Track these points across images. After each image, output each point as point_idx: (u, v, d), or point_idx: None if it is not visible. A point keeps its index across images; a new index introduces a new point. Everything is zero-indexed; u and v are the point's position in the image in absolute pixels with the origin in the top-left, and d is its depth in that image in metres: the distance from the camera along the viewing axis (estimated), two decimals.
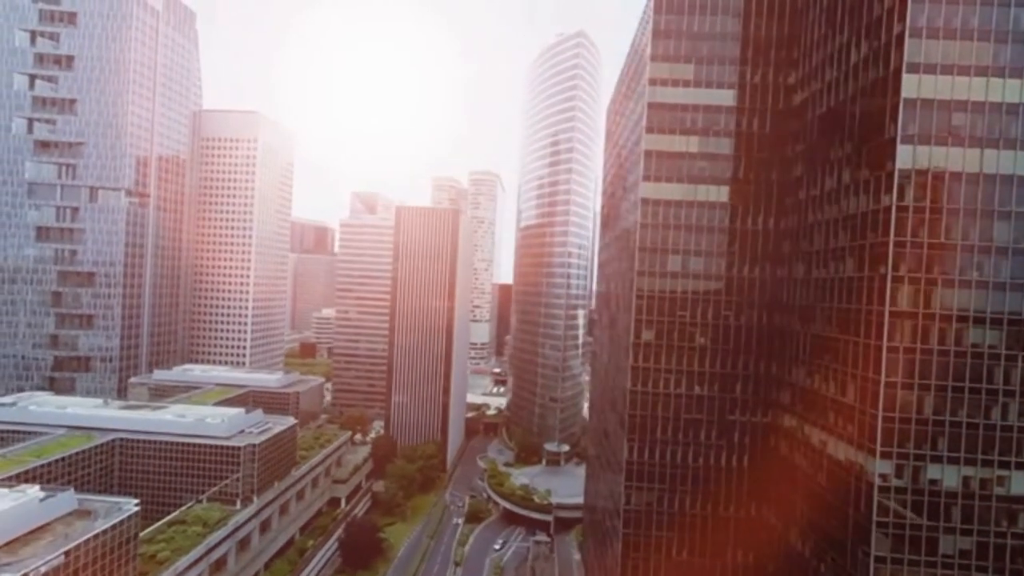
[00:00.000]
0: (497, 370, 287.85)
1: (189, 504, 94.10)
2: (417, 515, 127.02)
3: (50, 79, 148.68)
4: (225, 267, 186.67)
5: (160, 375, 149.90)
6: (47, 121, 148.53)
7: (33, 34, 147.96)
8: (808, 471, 50.02)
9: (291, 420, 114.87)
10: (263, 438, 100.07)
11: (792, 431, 53.65)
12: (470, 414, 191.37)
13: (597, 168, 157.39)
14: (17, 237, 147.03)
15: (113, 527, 64.99)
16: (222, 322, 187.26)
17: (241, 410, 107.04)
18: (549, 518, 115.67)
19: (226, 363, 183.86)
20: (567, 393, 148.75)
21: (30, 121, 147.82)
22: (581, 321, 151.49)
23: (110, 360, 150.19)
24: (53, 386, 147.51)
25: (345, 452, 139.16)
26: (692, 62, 59.26)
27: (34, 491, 65.63)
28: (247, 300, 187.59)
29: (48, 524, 63.96)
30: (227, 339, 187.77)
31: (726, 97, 59.09)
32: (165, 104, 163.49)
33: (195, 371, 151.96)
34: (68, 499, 67.45)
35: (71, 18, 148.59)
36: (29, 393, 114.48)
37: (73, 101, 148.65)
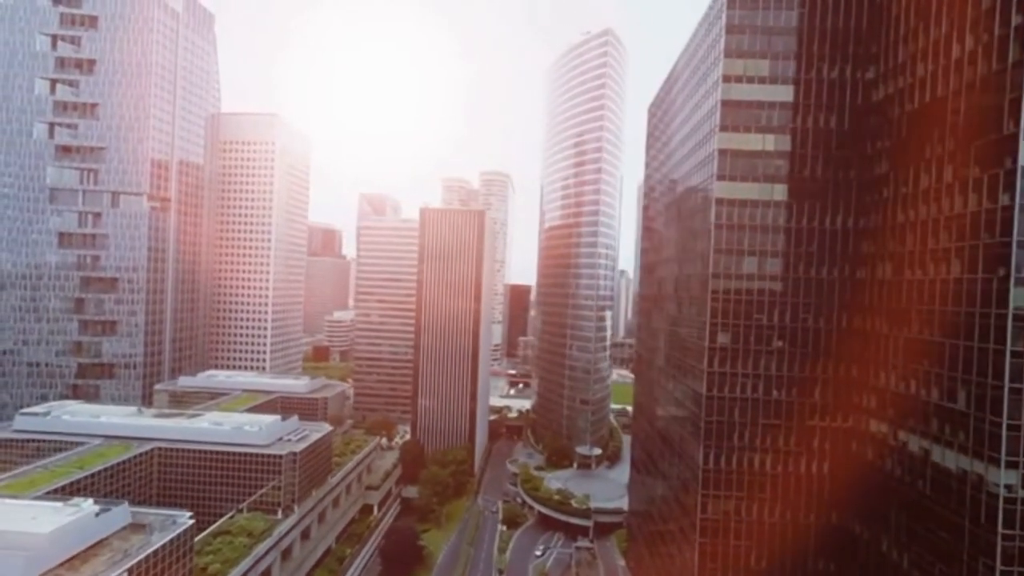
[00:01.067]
0: (512, 371, 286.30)
1: (230, 514, 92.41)
2: (451, 521, 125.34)
3: (71, 83, 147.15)
4: (244, 271, 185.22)
5: (185, 382, 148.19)
6: (68, 126, 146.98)
7: (54, 38, 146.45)
8: (904, 479, 48.37)
9: (326, 426, 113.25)
10: (303, 446, 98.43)
11: (881, 437, 52.03)
12: (492, 417, 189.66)
13: (624, 168, 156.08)
14: (40, 244, 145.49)
15: (171, 541, 63.37)
16: (242, 327, 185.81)
17: (277, 417, 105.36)
18: (589, 523, 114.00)
19: (246, 368, 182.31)
20: (597, 396, 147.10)
21: (51, 126, 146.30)
22: (609, 323, 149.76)
23: (134, 367, 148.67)
24: (76, 394, 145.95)
25: (375, 458, 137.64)
26: (767, 58, 57.65)
27: (88, 505, 64.00)
28: (266, 304, 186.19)
29: (105, 539, 62.38)
30: (247, 344, 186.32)
31: (802, 93, 57.46)
32: (185, 107, 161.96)
33: (220, 377, 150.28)
34: (123, 513, 65.84)
35: (92, 21, 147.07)
36: (60, 402, 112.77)
37: (95, 105, 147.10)
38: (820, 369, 57.89)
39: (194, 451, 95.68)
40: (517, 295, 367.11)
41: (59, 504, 64.45)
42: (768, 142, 57.81)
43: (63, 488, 77.29)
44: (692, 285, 65.00)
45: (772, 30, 57.65)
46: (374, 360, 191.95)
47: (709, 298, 58.80)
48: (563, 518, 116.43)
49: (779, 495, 58.48)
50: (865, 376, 55.42)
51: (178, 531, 64.86)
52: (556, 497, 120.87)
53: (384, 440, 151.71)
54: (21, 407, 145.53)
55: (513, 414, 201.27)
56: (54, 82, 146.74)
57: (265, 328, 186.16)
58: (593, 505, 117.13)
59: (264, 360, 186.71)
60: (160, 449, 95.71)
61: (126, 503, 67.92)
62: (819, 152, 57.62)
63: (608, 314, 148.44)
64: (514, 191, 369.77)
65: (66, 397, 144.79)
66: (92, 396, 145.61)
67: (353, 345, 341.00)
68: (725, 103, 58.23)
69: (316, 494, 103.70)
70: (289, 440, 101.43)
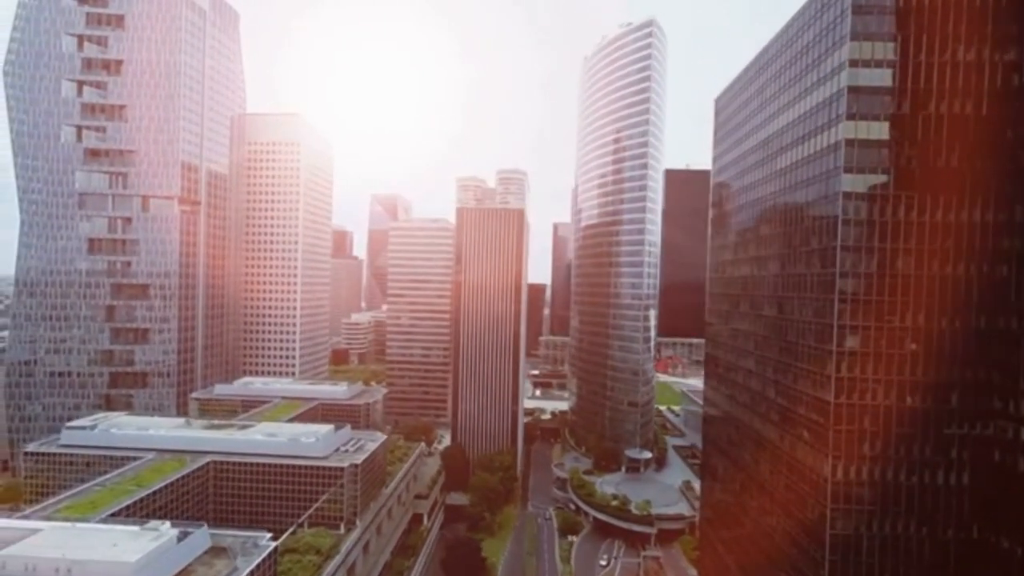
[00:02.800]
0: (535, 372, 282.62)
1: (291, 529, 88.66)
2: (504, 529, 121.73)
3: (98, 85, 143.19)
4: (273, 275, 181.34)
5: (221, 389, 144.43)
6: (96, 129, 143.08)
7: (80, 39, 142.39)
8: None
9: (379, 435, 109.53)
10: (363, 457, 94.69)
11: None
12: (526, 419, 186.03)
13: (665, 162, 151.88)
14: (69, 250, 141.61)
15: (258, 567, 59.62)
16: (271, 332, 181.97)
17: (331, 427, 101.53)
18: (651, 530, 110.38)
19: (275, 374, 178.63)
20: (644, 398, 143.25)
21: (79, 129, 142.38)
22: (653, 322, 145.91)
23: (167, 375, 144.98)
24: (109, 403, 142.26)
25: (419, 465, 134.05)
26: (896, 40, 53.71)
27: (167, 529, 60.29)
28: (295, 308, 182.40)
29: (189, 566, 58.65)
30: (276, 349, 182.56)
31: (935, 78, 53.48)
32: (213, 108, 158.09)
33: (256, 384, 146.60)
34: (203, 536, 62.14)
35: (118, 21, 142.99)
36: (103, 415, 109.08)
37: (123, 107, 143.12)
38: (957, 373, 54.01)
39: (250, 464, 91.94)
40: (534, 294, 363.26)
41: (135, 528, 60.75)
42: (898, 130, 53.84)
43: (127, 508, 73.58)
44: (806, 285, 60.98)
45: (902, 10, 53.65)
46: (406, 363, 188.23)
47: (836, 299, 54.90)
48: (624, 525, 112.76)
49: (915, 508, 54.67)
50: (1007, 380, 51.61)
51: (263, 555, 61.11)
52: (614, 503, 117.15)
53: (423, 445, 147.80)
54: (53, 418, 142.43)
55: (546, 416, 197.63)
56: (81, 84, 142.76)
57: (294, 332, 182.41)
58: (654, 511, 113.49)
59: (293, 365, 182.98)
60: (215, 463, 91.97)
61: (205, 525, 64.17)
62: (954, 141, 53.67)
63: (653, 313, 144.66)
64: (529, 189, 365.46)
65: (98, 407, 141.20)
66: (125, 406, 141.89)
67: (372, 347, 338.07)
68: (852, 89, 54.24)
69: (373, 506, 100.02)
70: (347, 451, 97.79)
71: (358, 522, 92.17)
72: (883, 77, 54.02)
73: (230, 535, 66.25)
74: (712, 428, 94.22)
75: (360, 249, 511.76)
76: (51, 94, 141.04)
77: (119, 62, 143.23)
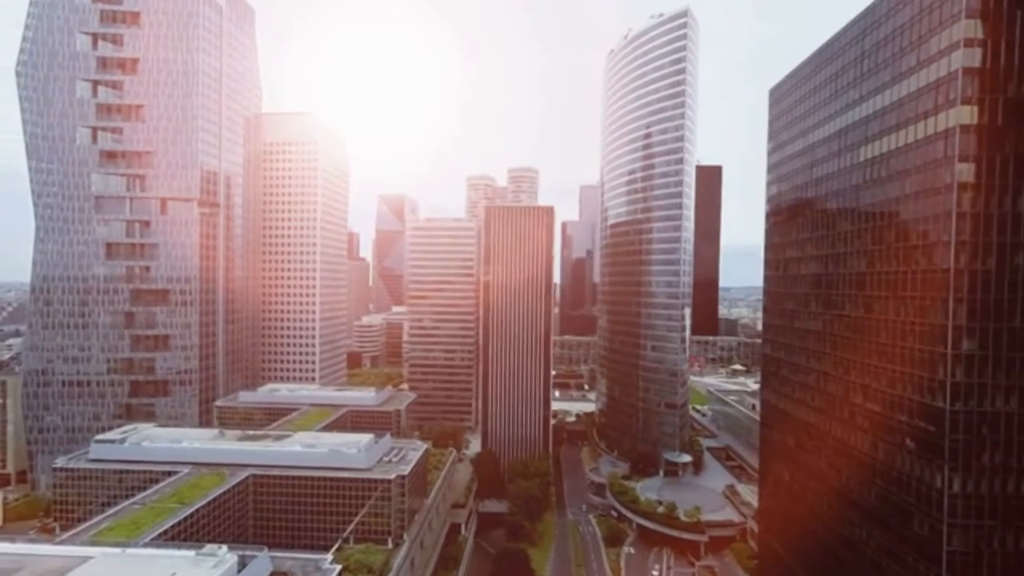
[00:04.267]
0: (552, 372, 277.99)
1: (336, 545, 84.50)
2: (545, 538, 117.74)
3: (114, 85, 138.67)
4: (292, 278, 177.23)
5: (245, 397, 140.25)
6: (112, 130, 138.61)
7: (95, 37, 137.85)
8: None
9: (419, 444, 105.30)
10: (408, 468, 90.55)
11: None
12: (551, 422, 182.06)
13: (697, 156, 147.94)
14: (86, 255, 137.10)
15: None
16: (290, 336, 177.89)
17: (371, 436, 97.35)
18: (702, 538, 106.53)
19: (295, 379, 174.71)
20: (683, 399, 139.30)
21: (94, 130, 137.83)
22: (688, 321, 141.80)
23: (189, 383, 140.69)
24: (130, 413, 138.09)
25: (452, 472, 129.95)
26: (1016, 17, 49.67)
27: (225, 554, 56.23)
28: (314, 312, 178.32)
29: None
30: (296, 354, 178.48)
31: None
32: (230, 107, 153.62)
33: (282, 391, 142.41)
34: (264, 562, 58.16)
35: (134, 18, 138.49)
36: (132, 427, 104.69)
37: (139, 107, 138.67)
38: None
39: (292, 477, 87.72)
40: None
41: (191, 554, 56.68)
42: (1018, 115, 49.84)
43: (172, 529, 69.42)
44: (904, 283, 56.95)
45: None
46: (428, 366, 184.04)
47: (951, 298, 50.92)
48: (673, 533, 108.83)
49: None
50: None
51: None
52: (660, 510, 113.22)
53: (455, 452, 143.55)
54: (72, 429, 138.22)
55: (571, 418, 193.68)
56: (96, 84, 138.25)
57: (313, 337, 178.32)
58: (704, 518, 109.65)
59: (313, 370, 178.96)
60: (255, 476, 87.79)
61: (265, 550, 60.05)
62: None
63: (687, 312, 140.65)
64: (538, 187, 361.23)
65: (118, 417, 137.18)
66: (146, 415, 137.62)
67: (383, 350, 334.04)
68: (967, 71, 50.23)
69: (417, 518, 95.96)
70: (390, 461, 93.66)
71: (406, 536, 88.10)
72: (1000, 57, 49.89)
73: (289, 558, 62.36)
74: (772, 432, 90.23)
75: (365, 250, 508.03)
76: (65, 95, 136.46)
77: (135, 61, 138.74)
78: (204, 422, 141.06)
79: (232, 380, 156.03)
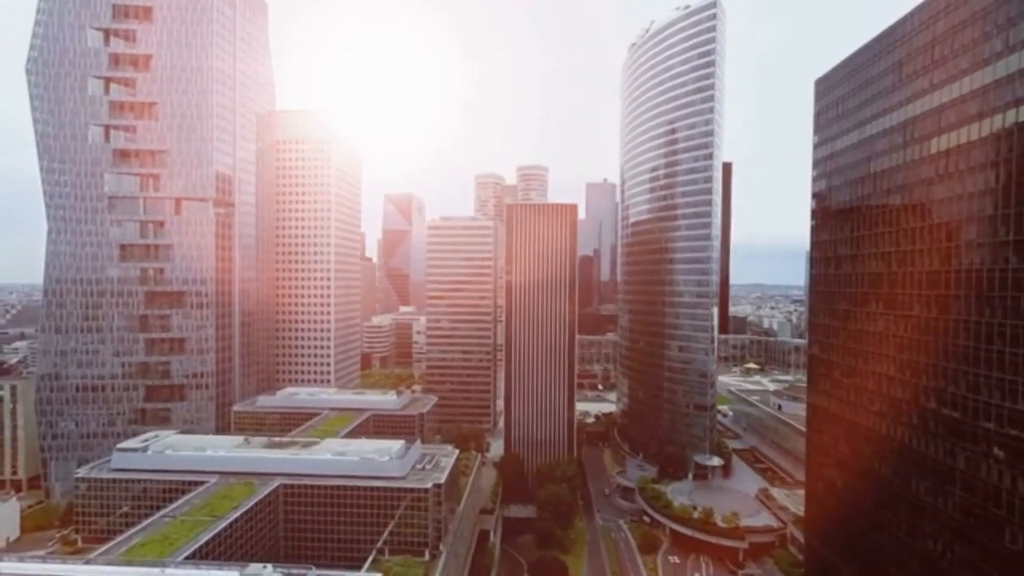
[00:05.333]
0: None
1: (371, 557, 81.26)
2: (576, 545, 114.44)
3: (126, 82, 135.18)
4: (306, 279, 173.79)
5: (264, 401, 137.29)
6: (125, 128, 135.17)
7: (107, 33, 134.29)
8: None
9: (450, 449, 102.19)
10: (444, 476, 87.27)
11: None
12: None
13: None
14: (100, 257, 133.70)
15: None
16: (305, 338, 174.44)
17: (402, 443, 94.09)
18: (742, 545, 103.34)
19: (311, 382, 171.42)
20: (712, 400, 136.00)
21: (107, 129, 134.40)
22: (715, 321, 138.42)
23: (205, 387, 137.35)
24: (145, 418, 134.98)
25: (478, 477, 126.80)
26: None
27: (269, 573, 52.90)
28: (329, 314, 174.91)
29: None
30: (311, 356, 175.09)
31: None
32: (244, 104, 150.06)
33: (301, 395, 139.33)
34: None
35: (146, 13, 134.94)
36: (153, 434, 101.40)
37: (153, 105, 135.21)
38: None
39: (323, 487, 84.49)
40: None
41: (234, 574, 53.37)
42: None
43: (207, 545, 66.15)
44: (992, 283, 53.47)
45: None
46: (446, 367, 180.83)
47: None
48: (711, 539, 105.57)
49: None
50: None
51: None
52: (696, 515, 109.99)
53: (480, 456, 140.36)
54: (86, 435, 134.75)
55: (590, 419, 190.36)
56: (108, 81, 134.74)
57: (328, 339, 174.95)
58: (743, 523, 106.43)
59: (329, 372, 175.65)
60: (285, 486, 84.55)
61: (313, 568, 56.71)
62: None
63: (715, 311, 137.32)
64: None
65: (133, 422, 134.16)
66: (162, 420, 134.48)
67: (393, 351, 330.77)
68: None
69: (451, 527, 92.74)
70: (423, 468, 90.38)
71: (443, 547, 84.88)
72: None
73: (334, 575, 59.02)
74: (821, 436, 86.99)
75: (370, 249, 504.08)
76: (77, 92, 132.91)
77: (148, 57, 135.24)
78: (220, 427, 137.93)
79: (248, 383, 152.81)
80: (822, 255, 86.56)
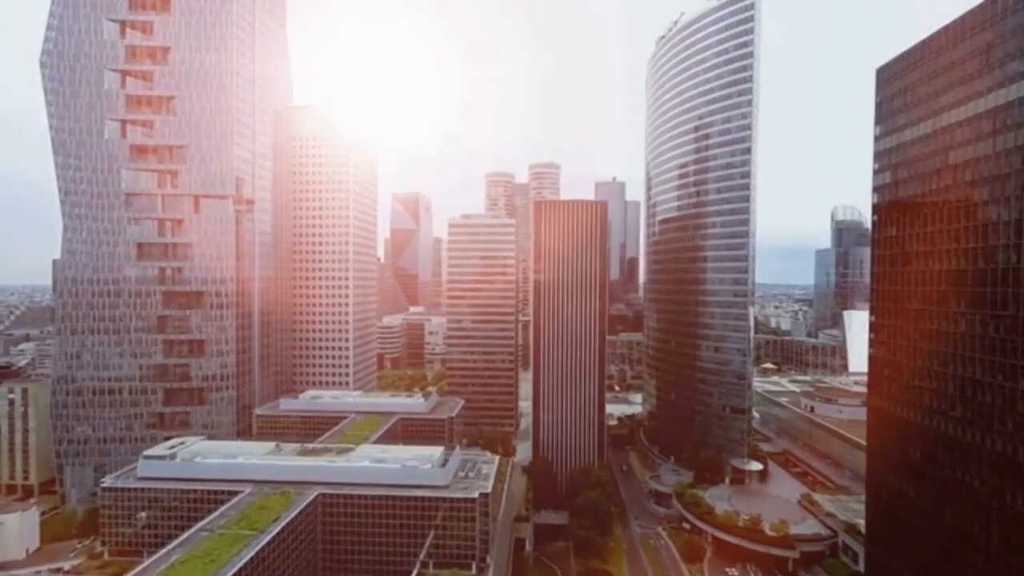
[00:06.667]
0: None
1: (415, 570, 77.23)
2: (615, 553, 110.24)
3: (144, 75, 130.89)
4: (325, 278, 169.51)
5: (287, 404, 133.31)
6: (143, 123, 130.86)
7: (123, 24, 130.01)
8: None
9: (489, 456, 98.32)
10: (489, 484, 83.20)
11: None
12: None
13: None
14: (117, 256, 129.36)
15: None
16: (323, 340, 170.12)
17: (441, 449, 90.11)
18: (793, 554, 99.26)
19: (329, 384, 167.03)
20: (749, 403, 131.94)
21: (124, 124, 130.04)
22: (752, 321, 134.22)
23: (226, 390, 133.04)
24: (163, 423, 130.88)
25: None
26: None
27: None
28: (347, 314, 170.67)
29: None
30: (329, 358, 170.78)
31: None
32: (263, 98, 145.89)
33: (324, 398, 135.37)
34: None
35: (164, 4, 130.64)
36: (179, 440, 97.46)
37: (171, 98, 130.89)
38: None
39: (364, 496, 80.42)
40: None
41: None
42: None
43: (252, 562, 61.97)
44: None
45: None
46: (468, 369, 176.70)
47: None
48: (759, 548, 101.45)
49: None
50: None
51: None
52: (743, 523, 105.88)
53: (510, 461, 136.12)
54: (104, 439, 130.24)
55: (612, 421, 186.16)
56: (125, 74, 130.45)
57: (347, 340, 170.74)
58: (793, 531, 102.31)
59: (347, 374, 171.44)
60: (324, 496, 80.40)
61: None
62: None
63: (752, 311, 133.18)
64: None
65: (152, 426, 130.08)
66: (181, 424, 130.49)
67: (404, 351, 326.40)
68: None
69: (495, 537, 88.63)
70: (466, 476, 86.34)
71: (489, 559, 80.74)
72: None
73: None
74: (886, 443, 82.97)
75: (378, 249, 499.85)
76: (92, 86, 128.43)
77: (165, 49, 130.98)
78: (240, 431, 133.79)
79: (266, 386, 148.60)
80: (886, 252, 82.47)
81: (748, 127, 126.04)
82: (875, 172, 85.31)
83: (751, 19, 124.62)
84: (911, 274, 76.90)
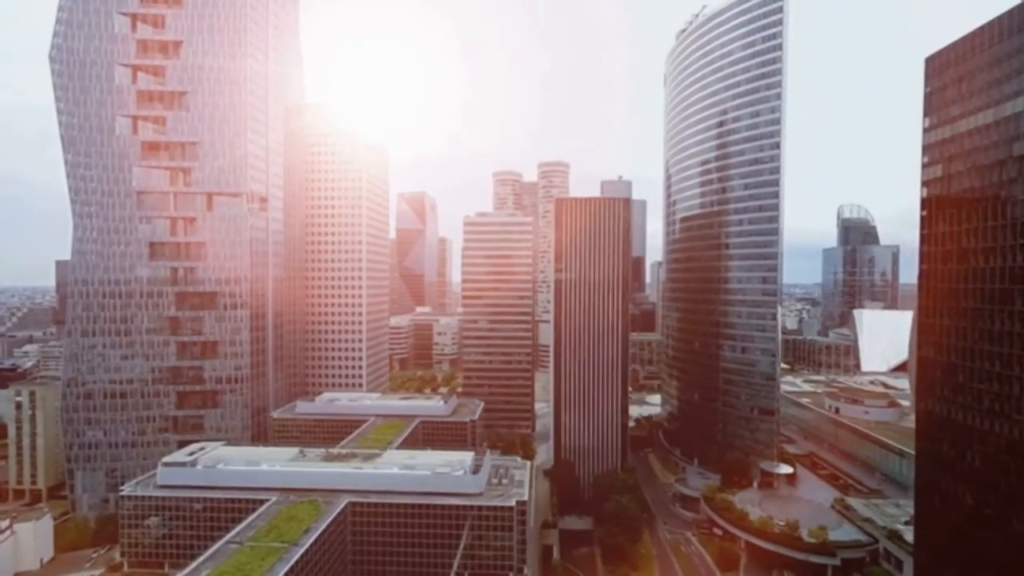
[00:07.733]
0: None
1: None
2: (645, 560, 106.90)
3: (155, 71, 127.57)
4: (338, 278, 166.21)
5: (303, 407, 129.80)
6: (154, 119, 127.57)
7: (134, 18, 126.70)
8: None
9: (519, 461, 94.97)
10: (525, 492, 79.91)
11: None
12: None
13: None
14: (128, 256, 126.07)
15: None
16: (337, 341, 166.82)
17: (472, 454, 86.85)
18: (834, 561, 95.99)
19: (342, 386, 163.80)
20: (778, 404, 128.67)
21: (135, 120, 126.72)
22: (780, 321, 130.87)
23: (240, 393, 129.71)
24: (176, 426, 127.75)
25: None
26: None
27: None
28: (361, 315, 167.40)
29: None
30: (343, 360, 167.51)
31: None
32: (276, 95, 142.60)
33: (342, 400, 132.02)
34: None
35: None
36: (199, 446, 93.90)
37: (183, 94, 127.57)
38: None
39: (395, 505, 77.06)
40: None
41: None
42: None
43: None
44: None
45: None
46: (484, 370, 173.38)
47: None
48: (798, 556, 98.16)
49: None
50: None
51: None
52: (778, 529, 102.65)
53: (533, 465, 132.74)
54: (115, 444, 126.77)
55: (630, 423, 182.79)
56: (136, 69, 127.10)
57: (360, 341, 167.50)
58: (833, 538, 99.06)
59: (360, 375, 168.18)
60: (353, 504, 77.08)
61: None
62: None
63: (779, 310, 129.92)
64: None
65: (165, 430, 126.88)
66: (194, 428, 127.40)
67: (411, 352, 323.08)
68: None
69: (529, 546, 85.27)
70: (499, 483, 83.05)
71: (527, 570, 77.47)
72: None
73: None
74: (939, 447, 79.54)
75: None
76: (103, 82, 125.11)
77: (177, 43, 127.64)
78: (256, 435, 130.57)
79: (279, 389, 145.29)
80: (937, 249, 79.07)
81: (777, 121, 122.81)
82: (924, 166, 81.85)
83: (780, 10, 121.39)
84: (967, 271, 73.53)
